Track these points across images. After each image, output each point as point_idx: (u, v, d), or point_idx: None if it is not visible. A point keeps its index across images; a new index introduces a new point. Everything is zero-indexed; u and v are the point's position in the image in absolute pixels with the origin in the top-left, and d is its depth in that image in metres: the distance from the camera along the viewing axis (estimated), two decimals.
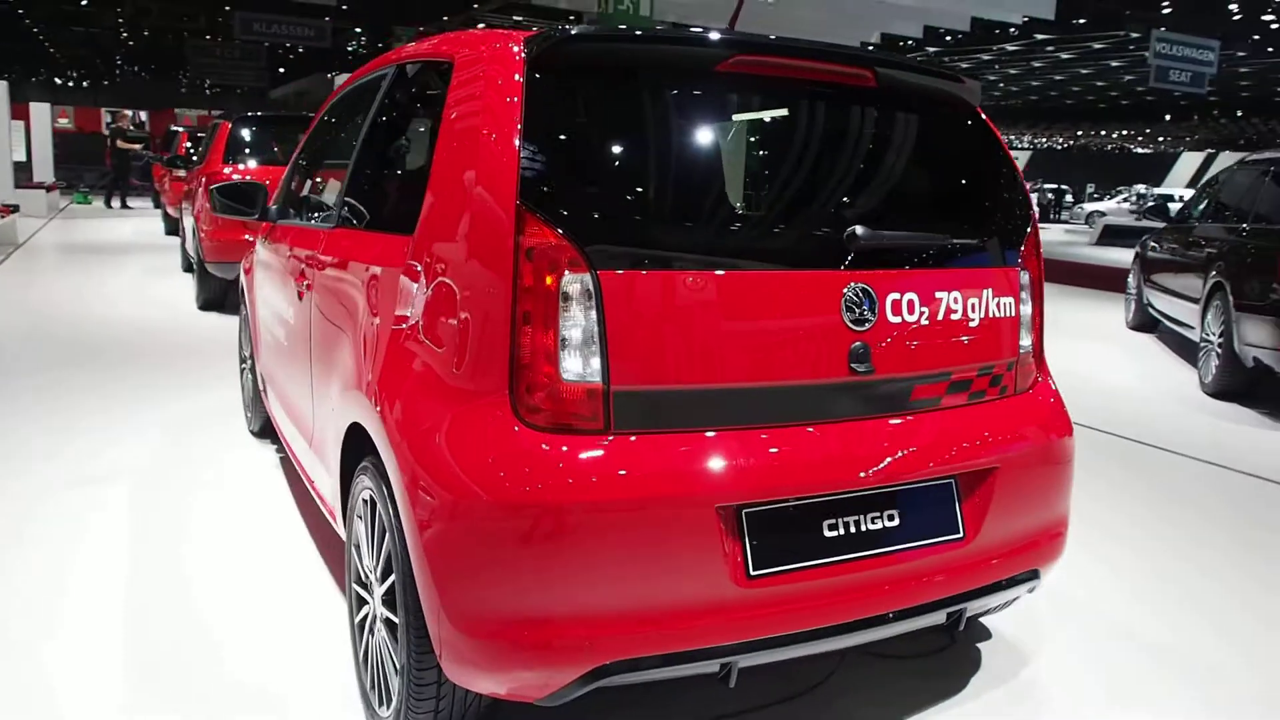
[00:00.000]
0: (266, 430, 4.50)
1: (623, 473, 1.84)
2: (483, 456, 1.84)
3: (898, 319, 2.11)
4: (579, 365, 1.85)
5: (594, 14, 19.10)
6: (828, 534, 2.03)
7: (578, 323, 1.84)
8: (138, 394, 5.32)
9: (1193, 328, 6.78)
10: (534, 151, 1.89)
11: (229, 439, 4.56)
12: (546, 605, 1.82)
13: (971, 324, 2.24)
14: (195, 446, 4.43)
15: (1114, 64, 31.31)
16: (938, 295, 2.18)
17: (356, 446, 2.33)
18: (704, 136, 2.16)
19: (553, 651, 1.84)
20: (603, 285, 1.85)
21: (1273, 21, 22.30)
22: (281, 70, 39.87)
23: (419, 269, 2.08)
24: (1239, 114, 42.96)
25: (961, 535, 2.18)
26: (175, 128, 19.93)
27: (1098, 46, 29.46)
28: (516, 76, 1.97)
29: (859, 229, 2.06)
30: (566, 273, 1.83)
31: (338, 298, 2.56)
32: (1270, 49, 26.06)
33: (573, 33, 1.99)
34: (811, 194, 2.19)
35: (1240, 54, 26.35)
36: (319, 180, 4.06)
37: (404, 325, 2.11)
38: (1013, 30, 23.72)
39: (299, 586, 3.03)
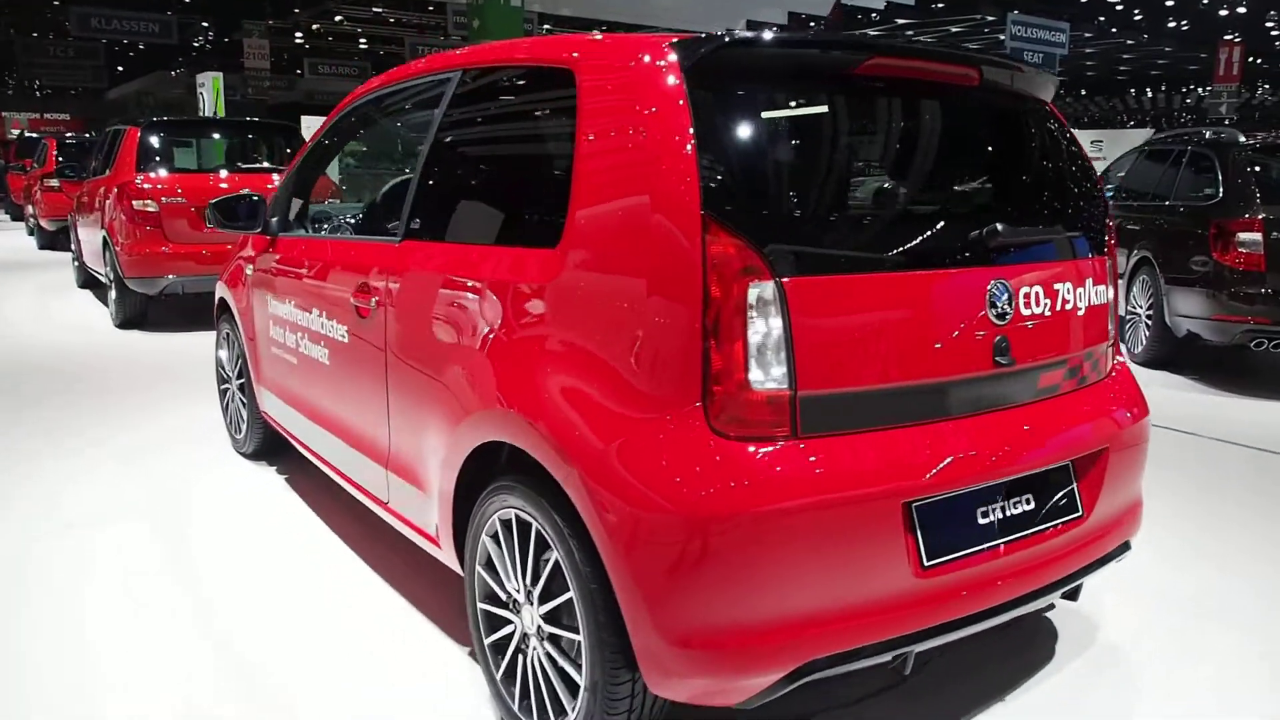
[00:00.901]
0: (263, 452, 4.31)
1: (816, 476, 1.88)
2: (685, 470, 1.84)
3: (1028, 311, 2.21)
4: (768, 373, 1.87)
5: (461, 4, 18.83)
6: (981, 521, 2.12)
7: (765, 330, 1.86)
8: (95, 424, 4.99)
9: None
10: (710, 160, 1.90)
11: (215, 464, 4.34)
12: (752, 611, 1.85)
13: (1079, 312, 2.36)
14: (182, 477, 4.20)
15: (971, 46, 32.80)
16: (1055, 286, 2.29)
17: (482, 467, 2.29)
18: (854, 139, 2.20)
19: (758, 656, 1.86)
20: (786, 291, 1.87)
21: (1118, 3, 23.81)
22: (121, 69, 37.70)
23: (575, 283, 2.05)
24: (1083, 93, 45.67)
25: (1080, 514, 2.30)
26: (31, 134, 18.68)
27: (955, 30, 30.85)
28: (678, 83, 1.96)
29: (999, 225, 2.15)
30: (753, 281, 1.85)
31: (439, 315, 2.48)
32: (1114, 30, 27.81)
33: (727, 38, 2.00)
34: (949, 193, 2.26)
35: (1086, 34, 28.02)
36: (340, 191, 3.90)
37: (560, 340, 2.07)
38: (875, 15, 24.58)
39: (365, 614, 2.94)
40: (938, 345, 2.07)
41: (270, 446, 4.28)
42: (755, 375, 1.86)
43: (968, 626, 2.11)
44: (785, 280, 1.87)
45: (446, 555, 2.56)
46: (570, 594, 2.03)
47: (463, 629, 2.78)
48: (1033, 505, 2.22)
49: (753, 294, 1.85)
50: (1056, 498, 2.28)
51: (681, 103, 1.93)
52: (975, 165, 2.34)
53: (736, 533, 1.82)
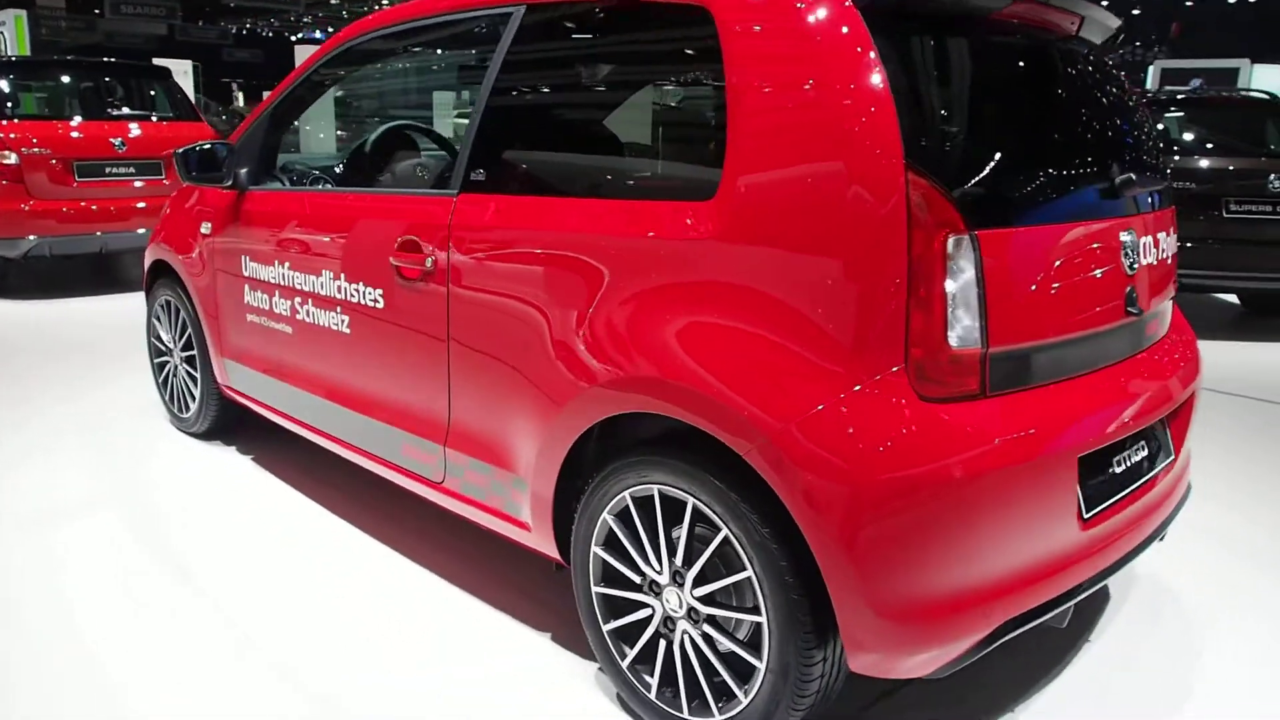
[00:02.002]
0: (215, 431, 3.91)
1: (1013, 436, 1.84)
2: (894, 436, 1.75)
3: (1145, 260, 2.23)
4: (964, 331, 1.80)
5: None
6: (1116, 471, 2.14)
7: (963, 286, 1.78)
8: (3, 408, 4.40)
9: None
10: (905, 108, 1.78)
11: (164, 443, 3.90)
12: (961, 576, 1.81)
13: (1168, 261, 2.41)
14: (133, 460, 3.76)
15: None
16: (1158, 235, 2.32)
17: (597, 441, 2.13)
18: (1021, 85, 2.13)
19: (964, 622, 1.82)
20: (980, 245, 1.80)
21: None
22: None
23: (745, 239, 1.89)
24: None
25: (1173, 457, 2.37)
26: None
27: None
28: (858, 27, 1.82)
29: (1132, 175, 2.14)
30: (951, 234, 1.77)
31: (534, 277, 2.25)
32: None
33: None
34: (1089, 143, 2.22)
35: None
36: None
37: (728, 303, 1.91)
38: None
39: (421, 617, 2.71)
40: (1092, 296, 2.06)
41: (223, 424, 3.89)
42: (954, 334, 1.79)
43: (1111, 574, 2.13)
44: (978, 232, 1.80)
45: (537, 538, 2.37)
46: (746, 573, 1.90)
47: (465, 606, 2.66)
48: (1146, 451, 2.27)
49: (951, 248, 1.77)
50: (1160, 443, 2.33)
51: (864, 47, 1.80)
52: (1093, 115, 2.32)
53: (950, 498, 1.76)
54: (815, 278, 1.81)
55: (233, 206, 3.37)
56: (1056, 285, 1.97)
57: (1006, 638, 1.89)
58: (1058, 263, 1.98)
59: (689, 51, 2.06)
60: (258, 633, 2.54)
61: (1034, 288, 1.92)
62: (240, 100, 30.95)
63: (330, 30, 42.60)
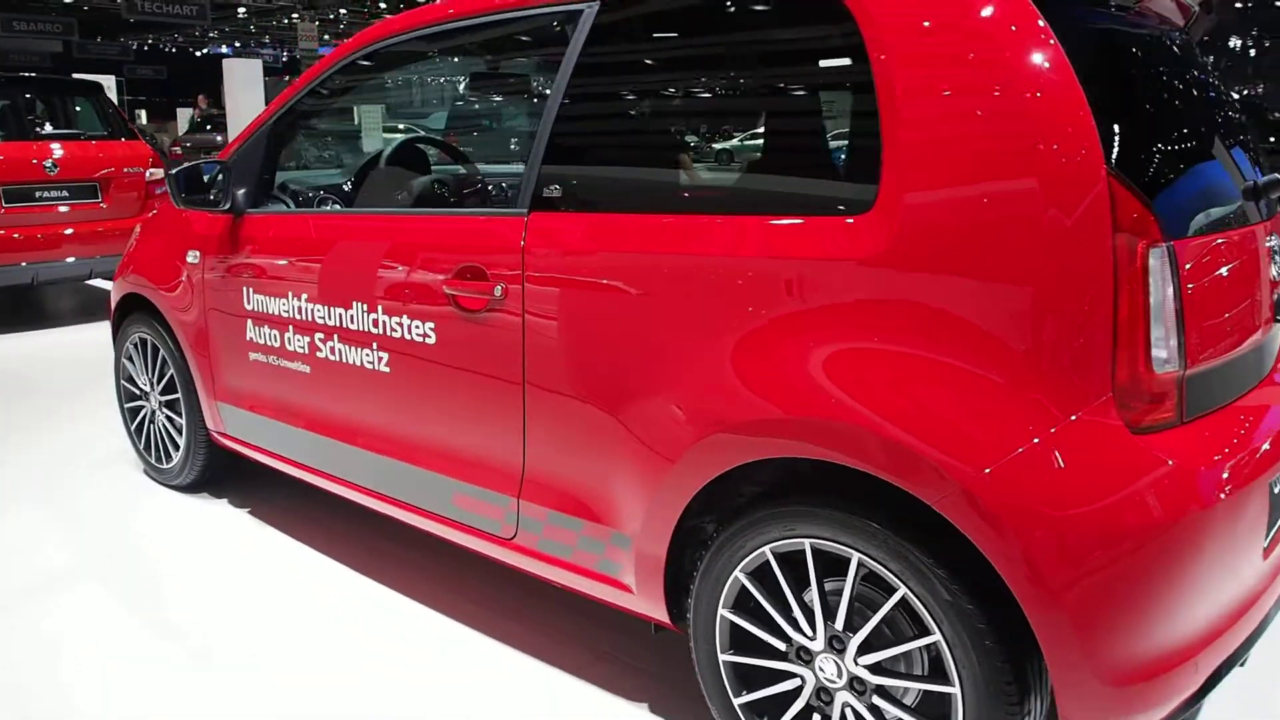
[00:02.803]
0: (203, 481, 3.52)
1: (1220, 466, 1.66)
2: (1114, 475, 1.55)
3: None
4: (1168, 351, 1.61)
5: None
6: (1276, 492, 1.98)
7: (1165, 302, 1.59)
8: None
9: None
10: (1102, 111, 1.58)
11: (145, 498, 3.49)
12: (1182, 627, 1.62)
13: None
14: (111, 518, 3.35)
15: None
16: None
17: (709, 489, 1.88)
18: (1175, 82, 1.94)
19: (1174, 680, 1.63)
20: (1176, 256, 1.61)
21: None
22: None
23: (912, 258, 1.66)
24: None
25: None
26: None
27: None
28: (1039, 22, 1.62)
29: (1276, 176, 1.99)
30: (1153, 246, 1.57)
31: (639, 305, 1.98)
32: None
33: None
34: (1230, 143, 2.05)
35: None
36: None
37: (897, 330, 1.67)
38: None
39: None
40: (1252, 306, 1.90)
41: (211, 475, 3.50)
42: (1158, 355, 1.59)
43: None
44: (1173, 243, 1.61)
45: (642, 600, 2.10)
46: (933, 638, 1.67)
47: (542, 677, 2.38)
48: None
49: (1154, 261, 1.57)
50: None
51: (1055, 46, 1.60)
52: (1224, 113, 2.15)
53: (1172, 541, 1.56)
54: (1005, 298, 1.59)
55: (229, 232, 3.01)
56: (1227, 296, 1.80)
57: (1211, 691, 1.70)
58: (1225, 271, 1.80)
59: (819, 50, 1.83)
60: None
61: (1214, 300, 1.74)
62: (144, 118, 29.63)
63: (238, 45, 41.33)
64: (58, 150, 6.23)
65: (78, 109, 7.07)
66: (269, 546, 3.13)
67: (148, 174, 6.56)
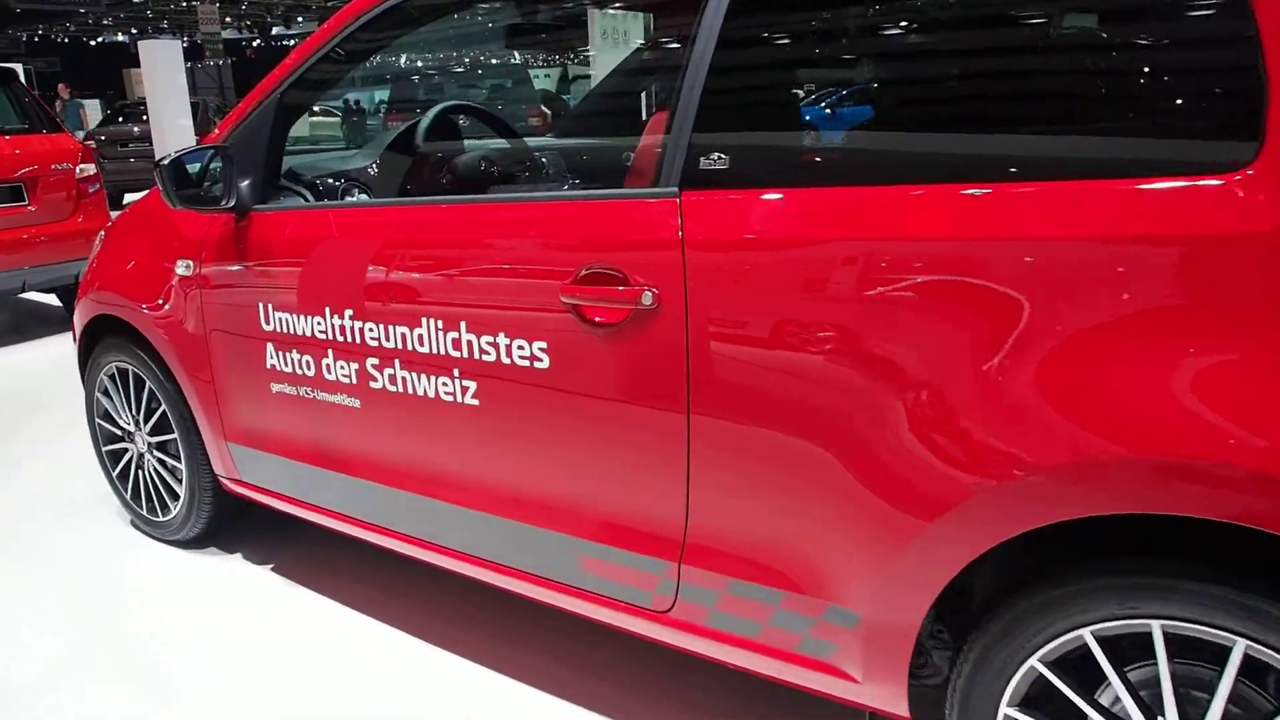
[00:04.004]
0: (210, 535, 2.93)
1: None
2: None
3: None
4: None
5: None
6: None
7: None
8: None
9: None
10: None
11: (130, 564, 2.89)
12: None
13: None
14: (104, 598, 2.75)
15: None
16: None
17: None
18: None
19: None
20: None
21: None
22: None
23: None
24: None
25: None
26: None
27: None
28: None
29: None
30: None
31: (885, 315, 1.47)
32: None
33: None
34: None
35: None
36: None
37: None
38: None
39: None
40: None
41: (219, 527, 2.92)
42: None
43: None
44: None
45: (872, 691, 1.62)
46: None
47: None
48: None
49: None
50: None
51: None
52: None
53: None
54: None
55: (233, 235, 2.42)
56: None
57: None
58: None
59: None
60: None
61: None
62: None
63: (134, 33, 39.14)
64: None
65: None
66: (307, 612, 2.57)
67: (78, 170, 5.80)
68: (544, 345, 1.85)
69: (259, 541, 2.95)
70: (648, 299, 1.68)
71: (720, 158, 1.67)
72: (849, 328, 1.50)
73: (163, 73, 9.92)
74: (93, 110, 17.96)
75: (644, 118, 3.52)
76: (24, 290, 5.59)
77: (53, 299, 6.45)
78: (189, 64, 19.02)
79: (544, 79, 16.68)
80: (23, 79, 6.57)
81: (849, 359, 1.51)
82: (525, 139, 3.06)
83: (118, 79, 27.69)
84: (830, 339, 1.52)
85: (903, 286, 1.46)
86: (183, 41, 40.05)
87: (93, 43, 42.45)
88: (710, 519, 1.73)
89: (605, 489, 1.87)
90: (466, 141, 2.86)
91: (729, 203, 1.65)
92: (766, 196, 1.62)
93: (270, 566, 2.83)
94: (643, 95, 3.04)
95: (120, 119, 14.04)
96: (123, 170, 12.07)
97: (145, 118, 11.22)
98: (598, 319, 1.76)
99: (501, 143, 2.97)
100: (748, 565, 1.71)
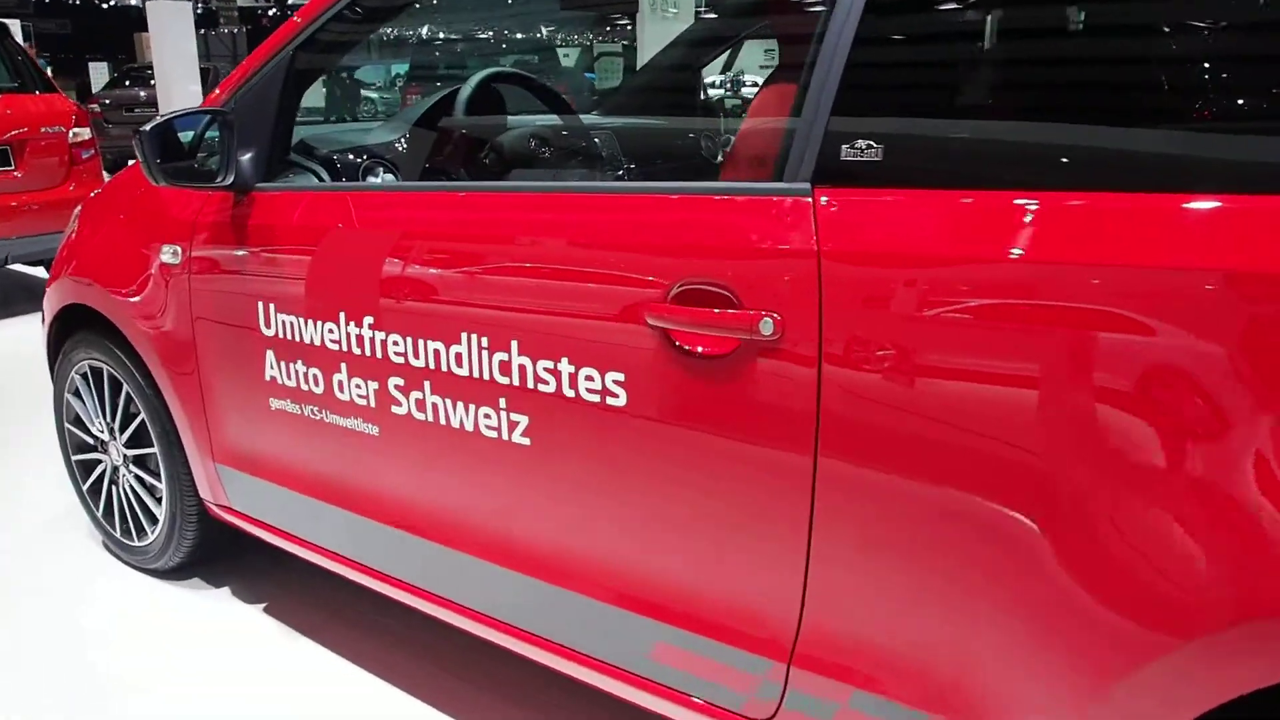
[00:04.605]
0: (193, 564, 2.53)
1: None
2: None
3: None
4: None
5: None
6: None
7: None
8: None
9: None
10: None
11: (106, 598, 2.50)
12: None
13: None
14: (73, 638, 2.35)
15: None
16: None
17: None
18: None
19: None
20: None
21: None
22: None
23: None
24: None
25: None
26: None
27: None
28: None
29: None
30: None
31: (1125, 355, 1.06)
32: None
33: None
34: None
35: None
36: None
37: None
38: None
39: None
40: None
41: (204, 555, 2.52)
42: None
43: None
44: None
45: None
46: None
47: None
48: None
49: None
50: None
51: None
52: None
53: None
54: None
55: (231, 218, 2.00)
56: None
57: None
58: None
59: None
60: None
61: None
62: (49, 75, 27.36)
63: None
64: None
65: None
66: (305, 660, 2.17)
67: (71, 134, 5.38)
68: (620, 378, 1.43)
69: (252, 574, 2.55)
70: (767, 328, 1.27)
71: (871, 147, 1.25)
72: (1061, 377, 1.09)
73: (171, 36, 9.48)
74: (99, 73, 17.49)
75: (701, 98, 3.11)
76: (8, 263, 5.18)
77: (40, 271, 6.04)
78: (203, 31, 18.57)
79: (564, 58, 16.12)
80: (20, 38, 6.15)
81: (1059, 417, 1.09)
82: (580, 116, 2.62)
83: (129, 43, 27.28)
84: (1023, 393, 1.11)
85: (1147, 321, 1.04)
86: (196, 8, 39.59)
87: (105, 5, 41.90)
88: (834, 611, 1.32)
89: (692, 562, 1.46)
90: (509, 117, 2.44)
91: (883, 205, 1.23)
92: (938, 199, 1.20)
93: (263, 606, 2.42)
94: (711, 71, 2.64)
95: (127, 83, 13.62)
96: (127, 136, 11.65)
97: (153, 82, 10.81)
98: (697, 349, 1.34)
99: (552, 118, 2.54)
100: (882, 674, 1.30)
